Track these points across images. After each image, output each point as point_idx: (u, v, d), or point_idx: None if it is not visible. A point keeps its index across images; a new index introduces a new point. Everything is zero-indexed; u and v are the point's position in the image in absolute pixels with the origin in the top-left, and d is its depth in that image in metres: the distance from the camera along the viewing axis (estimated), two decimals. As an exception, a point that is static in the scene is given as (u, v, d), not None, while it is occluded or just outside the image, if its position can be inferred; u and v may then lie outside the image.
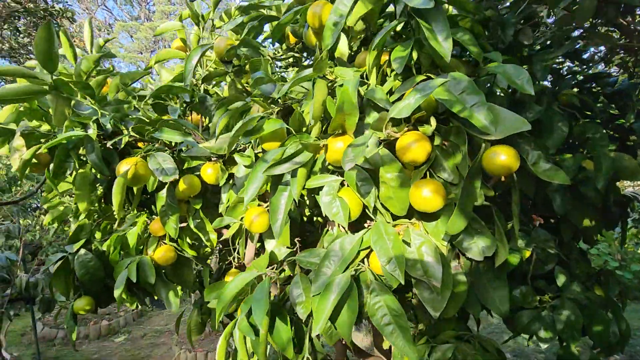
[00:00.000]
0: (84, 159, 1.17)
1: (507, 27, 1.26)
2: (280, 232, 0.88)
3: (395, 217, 0.88)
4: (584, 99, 1.30)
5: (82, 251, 1.28)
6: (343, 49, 1.11)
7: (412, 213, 0.86)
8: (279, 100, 1.00)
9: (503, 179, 0.73)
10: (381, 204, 0.85)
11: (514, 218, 0.82)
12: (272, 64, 1.51)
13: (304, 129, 1.00)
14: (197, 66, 1.47)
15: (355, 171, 0.82)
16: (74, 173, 1.18)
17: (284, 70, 1.48)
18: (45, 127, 1.24)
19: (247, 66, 1.29)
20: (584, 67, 1.62)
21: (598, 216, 1.23)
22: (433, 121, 0.78)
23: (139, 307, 1.46)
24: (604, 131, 1.19)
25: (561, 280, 1.30)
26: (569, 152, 1.38)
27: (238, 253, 1.32)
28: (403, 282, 0.73)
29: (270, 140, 0.98)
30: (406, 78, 0.93)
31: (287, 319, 0.87)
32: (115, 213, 0.95)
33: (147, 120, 1.04)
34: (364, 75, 0.99)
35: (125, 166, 0.98)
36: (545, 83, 1.46)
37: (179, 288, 1.50)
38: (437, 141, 0.84)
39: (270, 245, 1.11)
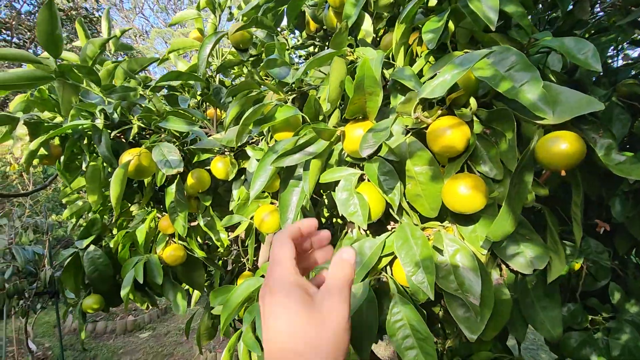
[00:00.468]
0: (95, 150, 1.12)
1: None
2: (291, 233, 0.77)
3: (424, 219, 0.75)
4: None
5: (92, 247, 1.24)
6: (367, 29, 1.00)
7: (444, 214, 0.73)
8: (294, 86, 0.90)
9: (563, 173, 0.58)
10: (408, 202, 0.72)
11: (575, 225, 0.67)
12: (291, 52, 1.41)
13: (321, 117, 0.89)
14: (214, 57, 1.41)
15: (378, 163, 0.69)
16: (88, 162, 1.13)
17: (305, 59, 1.38)
18: (59, 119, 1.20)
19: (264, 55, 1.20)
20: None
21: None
22: (473, 102, 0.64)
23: (150, 306, 1.40)
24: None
25: (617, 298, 1.11)
26: (630, 150, 1.19)
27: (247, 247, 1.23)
28: (432, 297, 0.61)
29: (283, 130, 0.88)
30: (439, 58, 0.80)
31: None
32: (113, 207, 0.88)
33: (154, 109, 0.97)
34: (390, 57, 0.87)
35: (128, 157, 0.91)
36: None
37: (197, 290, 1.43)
38: (477, 128, 0.70)
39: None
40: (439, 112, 0.65)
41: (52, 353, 4.34)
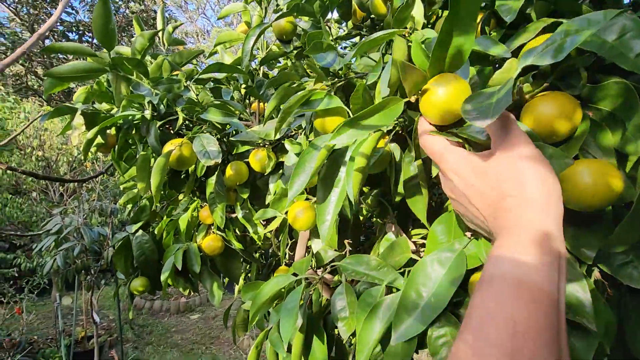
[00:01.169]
0: (147, 141, 1.17)
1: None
2: (328, 236, 0.72)
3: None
4: None
5: (140, 232, 1.30)
6: (418, 15, 0.92)
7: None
8: (341, 73, 0.84)
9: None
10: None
11: None
12: (337, 43, 1.36)
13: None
14: (260, 49, 1.40)
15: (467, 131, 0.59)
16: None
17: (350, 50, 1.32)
18: (114, 110, 1.28)
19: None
20: None
21: None
22: (584, 74, 0.53)
23: (191, 292, 1.45)
24: None
25: None
26: None
27: (288, 249, 1.21)
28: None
29: (327, 121, 0.82)
30: (508, 36, 0.69)
31: (324, 336, 0.72)
32: (153, 194, 0.91)
33: (197, 101, 0.98)
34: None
35: (170, 147, 0.93)
36: None
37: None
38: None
39: (316, 245, 0.96)
40: (545, 84, 0.55)
41: (115, 325, 4.77)
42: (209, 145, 0.90)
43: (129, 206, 1.81)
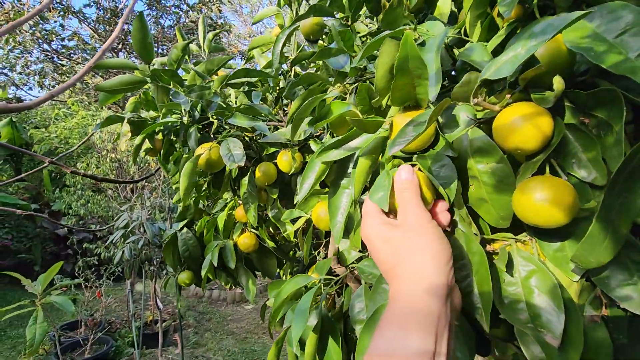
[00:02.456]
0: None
1: None
2: (340, 237, 0.73)
3: (493, 230, 0.62)
4: None
5: (185, 230, 1.40)
6: (444, 6, 0.87)
7: (521, 224, 0.59)
8: (352, 75, 0.83)
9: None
10: (468, 207, 0.60)
11: None
12: (367, 39, 1.33)
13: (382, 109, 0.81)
14: (292, 50, 1.42)
15: (431, 159, 0.59)
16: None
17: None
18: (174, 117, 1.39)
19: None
20: None
21: None
22: (558, 82, 0.48)
23: (233, 286, 1.53)
24: None
25: None
26: None
27: (324, 247, 1.23)
28: (487, 329, 0.49)
29: (341, 127, 0.83)
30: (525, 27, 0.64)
31: (339, 338, 0.72)
32: (181, 196, 0.97)
33: (225, 106, 1.03)
34: (463, 32, 0.73)
35: (201, 151, 0.99)
36: None
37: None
38: (570, 117, 0.53)
39: (343, 244, 0.96)
40: (509, 96, 0.51)
41: (178, 311, 5.19)
42: (235, 149, 0.95)
43: (180, 204, 1.95)
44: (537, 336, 0.50)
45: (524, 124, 0.49)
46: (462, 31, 0.72)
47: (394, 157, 0.63)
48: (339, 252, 0.92)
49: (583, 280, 0.55)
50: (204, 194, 1.63)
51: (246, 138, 1.10)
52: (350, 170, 0.75)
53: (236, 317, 5.57)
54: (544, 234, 0.56)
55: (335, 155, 0.65)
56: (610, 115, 0.48)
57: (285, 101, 1.49)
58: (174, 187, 1.93)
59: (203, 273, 1.21)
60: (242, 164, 0.91)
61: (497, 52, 0.63)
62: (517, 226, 0.58)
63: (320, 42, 1.37)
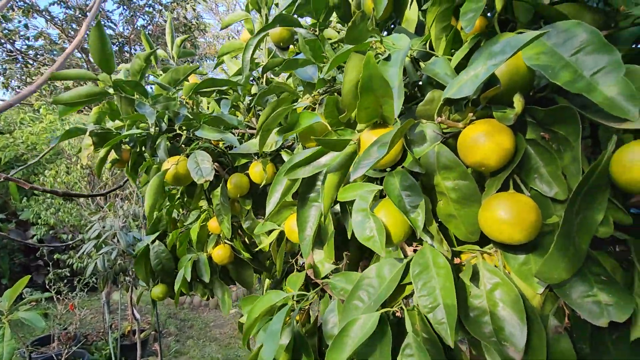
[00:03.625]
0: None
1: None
2: (308, 251, 0.72)
3: (460, 243, 0.62)
4: None
5: (157, 242, 1.36)
6: (411, 15, 0.87)
7: (487, 238, 0.59)
8: (319, 87, 0.82)
9: (652, 199, 0.41)
10: (439, 223, 0.60)
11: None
12: (338, 45, 1.32)
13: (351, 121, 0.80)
14: (265, 55, 1.40)
15: (399, 176, 0.59)
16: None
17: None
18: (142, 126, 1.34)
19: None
20: None
21: None
22: (518, 101, 0.49)
23: (209, 298, 1.49)
24: None
25: None
26: None
27: (301, 256, 1.21)
28: (452, 344, 0.49)
29: (309, 137, 0.81)
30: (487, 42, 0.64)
31: (312, 356, 0.71)
32: (146, 212, 0.94)
33: (192, 118, 1.00)
34: (429, 45, 0.73)
35: (167, 165, 0.96)
36: None
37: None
38: (531, 133, 0.54)
39: (317, 256, 0.95)
40: (471, 114, 0.51)
41: (154, 324, 5.06)
42: (203, 163, 0.92)
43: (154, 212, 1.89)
44: (499, 350, 0.50)
45: (486, 141, 0.49)
46: (428, 44, 0.72)
47: (368, 175, 0.63)
48: (314, 266, 0.91)
49: (547, 291, 0.55)
50: (178, 204, 1.58)
51: (218, 148, 1.07)
52: (319, 183, 0.75)
53: (219, 323, 5.48)
54: (509, 247, 0.57)
55: (303, 172, 0.64)
56: (567, 131, 0.49)
57: (258, 108, 1.46)
58: (142, 195, 1.87)
59: (176, 287, 1.17)
60: (211, 178, 0.88)
61: (461, 65, 0.63)
62: (484, 237, 0.59)
63: (292, 47, 1.35)
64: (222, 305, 1.22)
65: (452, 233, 0.63)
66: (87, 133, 1.04)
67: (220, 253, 1.20)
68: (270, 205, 0.71)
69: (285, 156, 0.97)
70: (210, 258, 1.23)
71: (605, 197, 0.45)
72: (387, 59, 0.64)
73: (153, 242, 1.36)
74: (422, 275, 0.53)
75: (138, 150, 1.21)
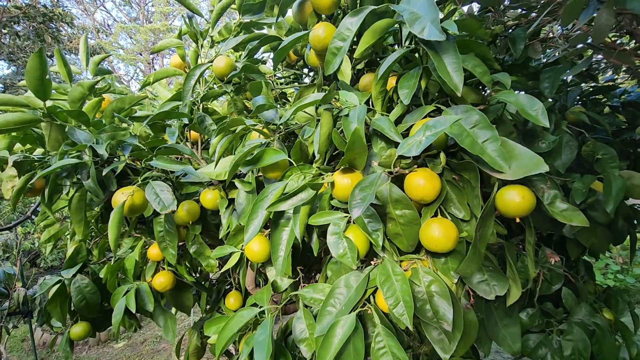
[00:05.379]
0: (79, 182, 1.13)
1: (517, 41, 1.22)
2: (282, 270, 0.85)
3: (402, 252, 0.85)
4: (592, 117, 1.27)
5: (79, 276, 1.25)
6: (346, 71, 1.08)
7: (419, 247, 0.83)
8: (282, 127, 0.96)
9: (518, 220, 0.69)
10: (388, 239, 0.81)
11: (529, 261, 0.79)
12: (274, 80, 1.47)
13: (308, 157, 0.96)
14: (196, 84, 1.44)
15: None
16: (70, 192, 1.14)
17: (285, 86, 1.44)
18: (39, 150, 1.20)
19: (247, 85, 1.26)
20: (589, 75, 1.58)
21: (606, 234, 1.19)
22: (442, 158, 0.74)
23: (137, 329, 1.42)
24: (614, 151, 1.15)
25: (568, 301, 1.27)
26: (577, 171, 1.35)
27: (238, 274, 1.29)
28: (411, 328, 0.70)
29: (272, 171, 0.94)
30: (414, 104, 0.90)
31: (289, 357, 0.84)
32: (111, 247, 0.92)
33: (143, 147, 1.01)
34: (370, 102, 0.95)
35: (121, 196, 0.95)
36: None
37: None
38: (447, 175, 0.80)
39: (271, 273, 1.07)
40: (415, 166, 0.74)
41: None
42: (162, 193, 0.94)
43: (50, 245, 1.67)
44: (438, 325, 0.73)
45: (425, 184, 0.72)
46: (371, 102, 0.94)
47: (334, 206, 0.80)
48: (272, 282, 1.03)
49: (459, 281, 0.82)
50: (92, 230, 1.47)
51: (165, 177, 1.08)
52: (288, 211, 0.88)
53: (105, 360, 4.80)
54: (435, 254, 0.82)
55: (285, 206, 0.77)
56: (470, 176, 0.76)
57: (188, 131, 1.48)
58: (42, 224, 1.64)
59: (115, 321, 1.11)
60: (175, 208, 0.92)
61: (397, 121, 0.87)
62: (416, 248, 0.83)
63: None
64: (166, 332, 1.21)
65: (395, 247, 0.85)
66: (10, 163, 0.93)
67: (162, 280, 1.20)
68: (251, 233, 0.81)
69: (239, 184, 1.06)
70: (150, 286, 1.20)
71: (492, 219, 0.73)
72: (347, 115, 0.83)
73: (74, 276, 1.25)
74: (387, 283, 0.73)
75: (56, 178, 1.12)
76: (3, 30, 7.08)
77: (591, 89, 1.59)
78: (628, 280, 5.35)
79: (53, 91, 1.35)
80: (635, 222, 1.43)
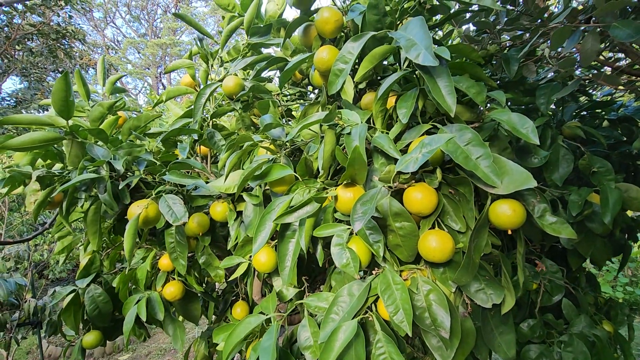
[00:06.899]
0: (95, 195, 1.19)
1: (511, 62, 1.28)
2: (289, 279, 0.89)
3: (402, 262, 0.89)
4: (588, 131, 1.31)
5: (92, 286, 1.30)
6: (349, 90, 1.14)
7: (419, 257, 0.87)
8: (287, 142, 1.02)
9: (510, 232, 0.74)
10: (389, 250, 0.86)
11: (519, 270, 0.83)
12: (281, 97, 1.54)
13: (313, 172, 1.02)
14: (209, 101, 1.51)
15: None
16: (84, 206, 1.20)
17: (290, 103, 1.51)
18: (58, 165, 1.27)
19: (255, 103, 1.33)
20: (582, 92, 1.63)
21: (606, 245, 1.22)
22: (439, 173, 0.79)
23: (146, 339, 1.46)
24: (610, 164, 1.19)
25: (569, 312, 1.29)
26: (576, 183, 1.39)
27: (246, 285, 1.33)
28: (410, 334, 0.74)
29: (279, 185, 1.00)
30: (414, 122, 0.95)
31: (295, 365, 0.87)
32: (126, 257, 0.97)
33: (158, 162, 1.07)
34: (371, 120, 1.01)
35: (136, 209, 1.00)
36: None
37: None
38: (444, 189, 0.85)
39: (277, 283, 1.11)
40: (413, 181, 0.79)
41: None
42: (175, 205, 1.00)
43: (63, 256, 1.73)
44: (436, 333, 0.77)
45: (422, 198, 0.77)
46: (372, 120, 1.00)
47: (337, 218, 0.85)
48: (278, 292, 1.07)
49: (457, 290, 0.86)
50: (104, 242, 1.52)
51: (177, 190, 1.14)
52: (295, 224, 0.94)
53: (107, 373, 4.79)
54: (434, 264, 0.86)
55: (291, 218, 0.83)
56: (465, 190, 0.80)
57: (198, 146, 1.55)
58: (56, 236, 1.70)
59: (126, 329, 1.15)
60: (186, 220, 0.97)
61: (396, 139, 0.93)
62: (415, 259, 0.87)
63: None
64: (175, 341, 1.25)
65: (395, 257, 0.90)
66: (34, 178, 0.99)
67: (172, 290, 1.24)
68: (259, 243, 0.86)
69: (247, 197, 1.12)
70: (160, 296, 1.25)
71: (486, 231, 0.77)
72: (349, 133, 0.89)
73: (88, 285, 1.30)
74: (387, 291, 0.77)
75: (76, 193, 1.18)
76: (17, 47, 7.32)
77: (588, 103, 1.64)
78: (638, 293, 5.28)
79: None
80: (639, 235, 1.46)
